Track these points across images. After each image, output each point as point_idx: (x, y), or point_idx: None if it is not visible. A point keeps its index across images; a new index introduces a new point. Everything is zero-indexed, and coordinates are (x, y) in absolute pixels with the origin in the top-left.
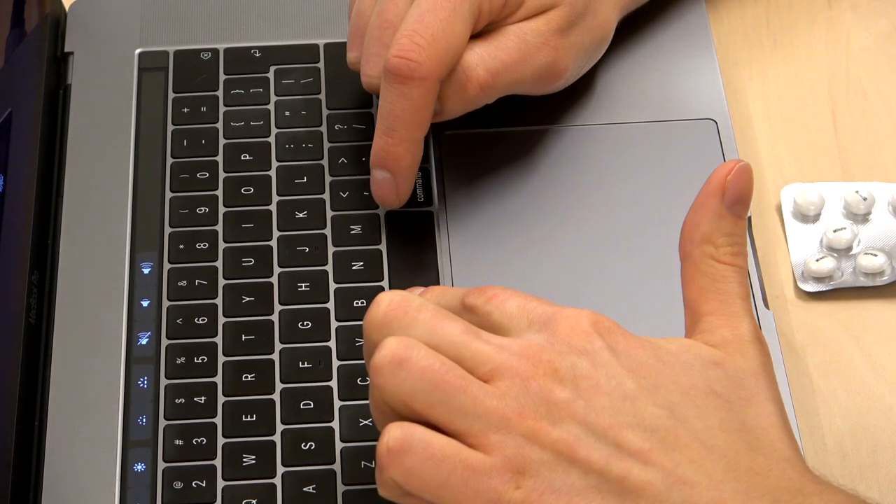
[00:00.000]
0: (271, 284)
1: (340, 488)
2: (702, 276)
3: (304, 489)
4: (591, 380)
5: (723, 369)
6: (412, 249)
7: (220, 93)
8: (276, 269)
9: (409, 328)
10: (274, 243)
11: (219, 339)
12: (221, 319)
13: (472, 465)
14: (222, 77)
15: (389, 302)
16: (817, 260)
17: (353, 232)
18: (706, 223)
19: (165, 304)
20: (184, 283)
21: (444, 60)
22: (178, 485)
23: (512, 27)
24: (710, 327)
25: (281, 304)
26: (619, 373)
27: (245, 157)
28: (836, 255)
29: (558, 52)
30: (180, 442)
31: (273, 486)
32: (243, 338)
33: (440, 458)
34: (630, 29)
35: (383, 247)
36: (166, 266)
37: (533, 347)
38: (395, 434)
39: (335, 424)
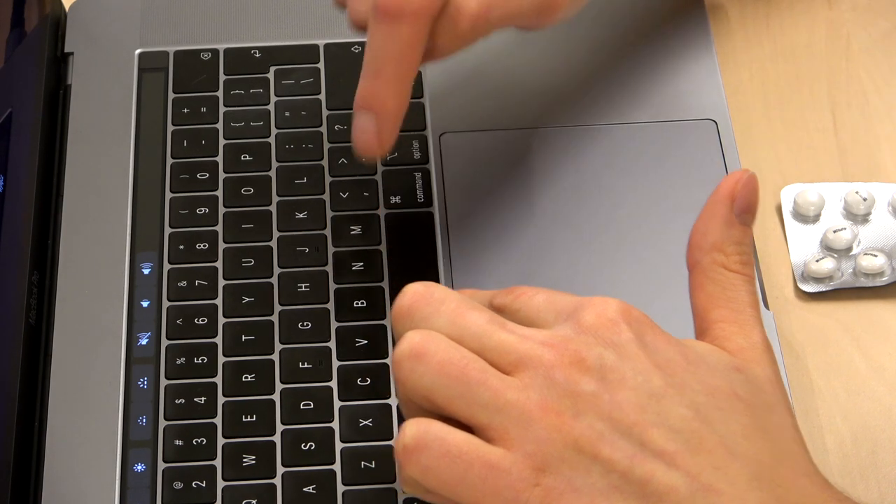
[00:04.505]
0: (271, 285)
1: (340, 488)
2: (711, 284)
3: (304, 489)
4: (618, 373)
5: (744, 375)
6: (412, 250)
7: (220, 93)
8: (276, 270)
9: (431, 319)
10: (274, 243)
11: (219, 340)
12: (221, 320)
13: (490, 462)
14: (222, 77)
15: (413, 293)
16: (817, 260)
17: (353, 232)
18: (715, 231)
19: (165, 304)
20: (184, 283)
21: None
22: (178, 485)
23: None
24: (724, 334)
25: (281, 304)
26: (646, 368)
27: (245, 157)
28: (836, 255)
29: None
30: (180, 442)
31: (273, 486)
32: (243, 338)
33: (456, 454)
34: (630, 29)
35: (383, 247)
36: (166, 266)
37: (558, 337)
38: (411, 431)
39: (335, 425)
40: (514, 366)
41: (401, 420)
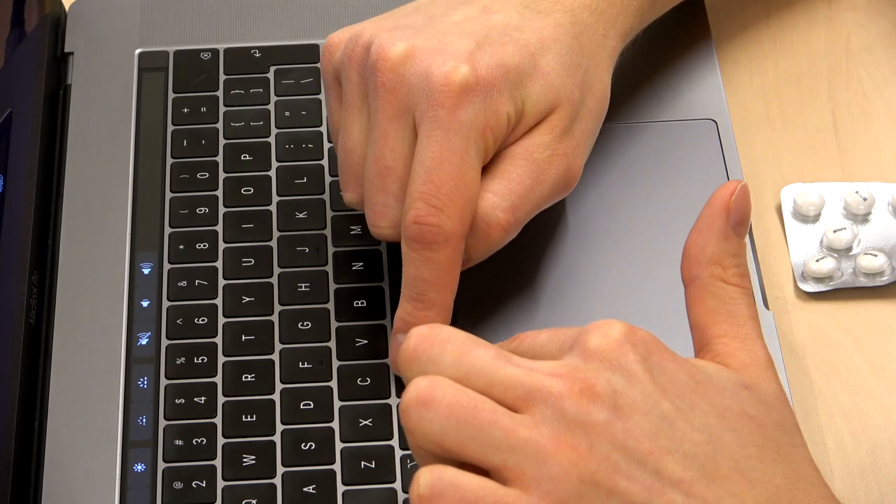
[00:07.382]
0: (271, 285)
1: (340, 488)
2: (711, 298)
3: (304, 489)
4: (628, 398)
5: (752, 392)
6: None
7: (220, 93)
8: (276, 270)
9: (437, 361)
10: (274, 243)
11: (219, 340)
12: (221, 319)
13: None
14: (222, 77)
15: (418, 335)
16: (817, 260)
17: (352, 232)
18: (713, 244)
19: (165, 304)
20: (184, 283)
21: (464, 217)
22: (178, 485)
23: (517, 149)
24: (727, 350)
25: (281, 304)
26: (653, 391)
27: (245, 157)
28: (836, 255)
29: (569, 157)
30: (180, 442)
31: (273, 486)
32: (243, 338)
33: (472, 500)
34: None
35: (383, 247)
36: (166, 266)
37: (566, 366)
38: (424, 480)
39: (335, 424)
40: (522, 400)
41: (401, 423)
